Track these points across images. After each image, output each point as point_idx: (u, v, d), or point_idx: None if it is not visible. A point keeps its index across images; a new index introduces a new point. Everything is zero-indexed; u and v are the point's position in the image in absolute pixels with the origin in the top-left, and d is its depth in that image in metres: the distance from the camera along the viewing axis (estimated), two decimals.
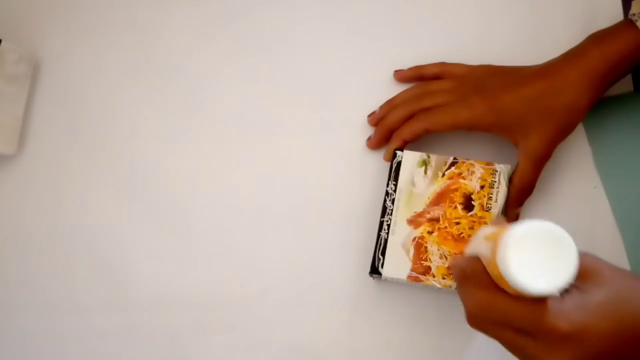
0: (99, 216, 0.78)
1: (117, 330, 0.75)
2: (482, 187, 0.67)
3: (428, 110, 0.70)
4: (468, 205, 0.67)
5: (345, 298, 0.72)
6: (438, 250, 0.66)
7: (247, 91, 0.79)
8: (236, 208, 0.76)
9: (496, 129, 0.68)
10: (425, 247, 0.67)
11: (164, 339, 0.74)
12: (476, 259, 0.50)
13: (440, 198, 0.68)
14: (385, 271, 0.67)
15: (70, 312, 0.76)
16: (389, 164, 0.70)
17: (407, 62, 0.76)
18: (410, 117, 0.71)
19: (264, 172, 0.77)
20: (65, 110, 0.81)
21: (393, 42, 0.78)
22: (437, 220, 0.67)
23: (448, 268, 0.65)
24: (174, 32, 0.81)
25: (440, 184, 0.68)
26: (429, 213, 0.68)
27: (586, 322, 0.46)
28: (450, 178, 0.68)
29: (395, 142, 0.71)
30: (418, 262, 0.67)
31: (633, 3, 0.66)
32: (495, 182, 0.67)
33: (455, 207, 0.67)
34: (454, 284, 0.65)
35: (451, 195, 0.68)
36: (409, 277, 0.66)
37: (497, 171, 0.68)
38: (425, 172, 0.69)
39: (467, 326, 0.68)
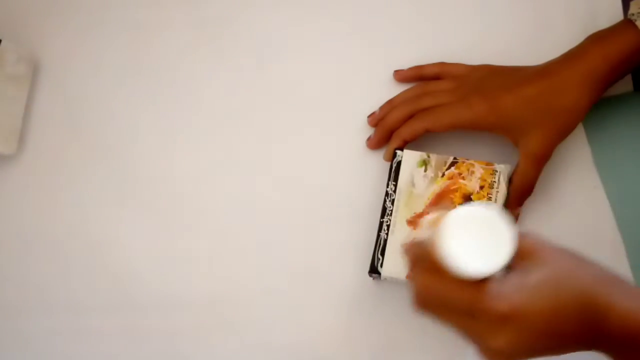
0: (99, 216, 0.78)
1: (117, 330, 0.75)
2: (481, 187, 0.67)
3: (428, 110, 0.70)
4: None
5: (344, 298, 0.72)
6: None
7: (247, 91, 0.79)
8: (236, 208, 0.76)
9: (496, 129, 0.68)
10: None
11: (164, 339, 0.74)
12: (422, 244, 0.51)
13: (439, 198, 0.68)
14: (385, 271, 0.67)
15: (70, 312, 0.76)
16: (389, 164, 0.70)
17: (407, 62, 0.76)
18: (410, 117, 0.71)
19: (263, 172, 0.77)
20: (65, 110, 0.81)
21: (393, 42, 0.78)
22: None
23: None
24: (174, 32, 0.81)
25: (440, 184, 0.68)
26: (428, 214, 0.67)
27: (525, 302, 0.47)
28: (450, 178, 0.68)
29: (395, 142, 0.71)
30: None
31: (632, 3, 0.66)
32: (495, 182, 0.67)
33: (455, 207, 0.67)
34: None
35: (451, 195, 0.68)
36: (408, 276, 0.66)
37: (496, 171, 0.68)
38: (425, 172, 0.69)
39: None
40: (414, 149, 0.70)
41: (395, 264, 0.67)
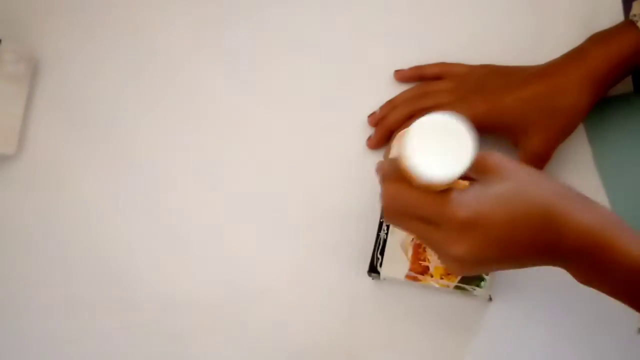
0: (99, 216, 0.78)
1: (117, 330, 0.75)
2: None
3: (428, 110, 0.70)
4: None
5: (343, 297, 0.72)
6: None
7: (248, 91, 0.79)
8: (236, 207, 0.76)
9: (496, 129, 0.68)
10: (424, 248, 0.67)
11: (164, 339, 0.74)
12: (392, 159, 0.52)
13: None
14: (384, 271, 0.67)
15: (70, 312, 0.76)
16: None
17: (407, 62, 0.76)
18: (410, 117, 0.71)
19: (264, 172, 0.77)
20: (65, 110, 0.81)
21: (393, 42, 0.78)
22: None
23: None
24: (174, 32, 0.81)
25: None
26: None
27: (485, 211, 0.49)
28: None
29: None
30: (416, 262, 0.66)
31: (634, 4, 0.66)
32: None
33: None
34: (452, 284, 0.65)
35: None
36: (407, 276, 0.66)
37: None
38: None
39: (466, 326, 0.68)
40: None
41: (394, 264, 0.67)
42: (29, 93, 0.81)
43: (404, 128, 0.70)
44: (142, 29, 0.82)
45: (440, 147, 0.47)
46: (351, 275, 0.72)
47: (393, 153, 0.55)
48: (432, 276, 0.66)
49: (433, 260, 0.66)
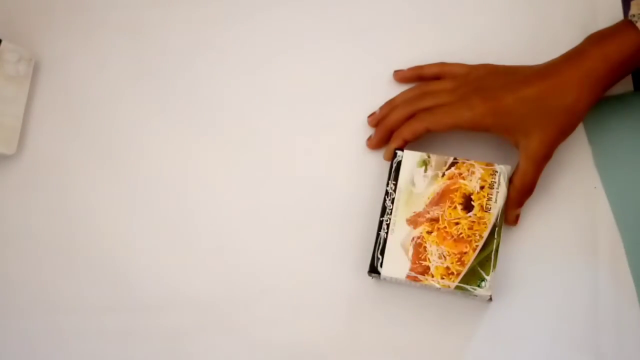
0: (99, 216, 0.78)
1: (117, 330, 0.75)
2: (482, 187, 0.67)
3: (428, 110, 0.70)
4: (467, 205, 0.67)
5: (344, 297, 0.72)
6: (437, 250, 0.66)
7: (248, 91, 0.79)
8: (236, 208, 0.76)
9: (496, 130, 0.68)
10: (425, 247, 0.67)
11: (164, 339, 0.74)
12: None
13: (440, 198, 0.68)
14: (384, 271, 0.67)
15: (70, 312, 0.76)
16: (389, 163, 0.70)
17: (407, 62, 0.76)
18: (410, 117, 0.71)
19: (264, 172, 0.77)
20: (65, 110, 0.81)
21: (393, 42, 0.78)
22: (436, 220, 0.67)
23: None
24: (175, 33, 0.81)
25: (440, 184, 0.68)
26: (428, 213, 0.67)
27: None
28: (450, 178, 0.68)
29: (395, 142, 0.71)
30: (417, 262, 0.67)
31: (632, 4, 0.66)
32: (495, 182, 0.67)
33: (455, 208, 0.67)
34: (452, 284, 0.65)
35: (451, 195, 0.68)
36: (408, 276, 0.66)
37: (497, 172, 0.68)
38: (425, 172, 0.69)
39: (466, 326, 0.68)
40: (414, 149, 0.70)
41: (395, 264, 0.67)
42: (29, 93, 0.81)
43: (404, 127, 0.70)
44: (142, 29, 0.82)
45: None
46: (351, 275, 0.72)
47: None
48: (432, 276, 0.66)
49: (434, 261, 0.66)
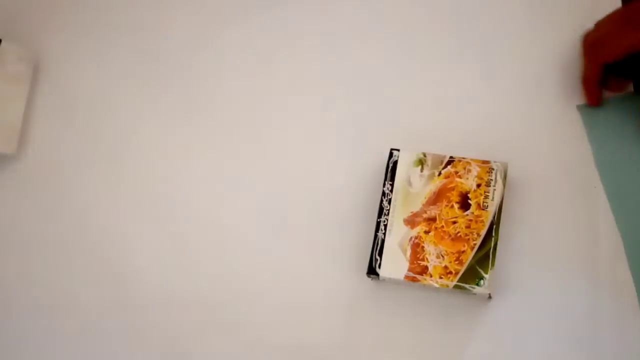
0: (99, 216, 0.78)
1: (117, 330, 0.75)
2: (478, 185, 0.67)
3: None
4: (464, 204, 0.67)
5: (343, 298, 0.72)
6: (435, 249, 0.66)
7: (247, 92, 0.79)
8: (236, 209, 0.76)
9: None
10: (422, 247, 0.66)
11: (164, 339, 0.74)
12: None
13: (436, 197, 0.67)
14: (383, 271, 0.67)
15: (70, 311, 0.76)
16: (385, 164, 0.70)
17: (407, 63, 0.76)
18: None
19: (263, 173, 0.77)
20: (65, 110, 0.81)
21: (393, 43, 0.78)
22: (433, 219, 0.67)
23: None
24: (174, 33, 0.81)
25: (436, 183, 0.68)
26: (425, 212, 0.67)
27: None
28: (447, 177, 0.68)
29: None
30: (415, 262, 0.66)
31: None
32: (492, 180, 0.67)
33: (452, 206, 0.67)
34: (451, 283, 0.65)
35: (447, 194, 0.67)
36: (406, 277, 0.66)
37: (493, 169, 0.67)
38: (422, 171, 0.69)
39: (466, 325, 0.68)
40: (411, 149, 0.70)
41: (393, 265, 0.67)
42: (29, 93, 0.81)
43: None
44: (142, 29, 0.82)
45: None
46: (351, 275, 0.72)
47: None
48: (431, 276, 0.66)
49: (432, 260, 0.66)
